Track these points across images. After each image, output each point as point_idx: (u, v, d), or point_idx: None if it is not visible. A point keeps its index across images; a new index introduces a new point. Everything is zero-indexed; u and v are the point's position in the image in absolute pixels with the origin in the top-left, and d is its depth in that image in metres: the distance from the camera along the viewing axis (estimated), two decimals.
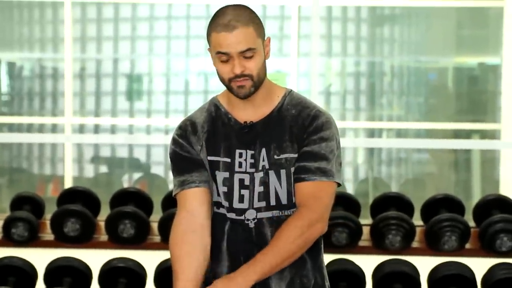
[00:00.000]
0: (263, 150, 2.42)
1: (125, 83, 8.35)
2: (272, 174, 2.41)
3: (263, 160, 2.42)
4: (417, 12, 8.28)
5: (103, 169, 8.45)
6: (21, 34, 8.39)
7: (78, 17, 8.16)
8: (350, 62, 8.39)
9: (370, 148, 8.20)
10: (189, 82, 8.34)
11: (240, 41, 2.33)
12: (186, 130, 2.49)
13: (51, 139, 7.51)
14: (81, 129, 8.23)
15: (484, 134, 8.08)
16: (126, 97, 8.34)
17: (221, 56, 2.35)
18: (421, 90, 8.38)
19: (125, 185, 8.19)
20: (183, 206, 2.48)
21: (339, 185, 2.46)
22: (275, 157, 2.41)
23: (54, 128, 8.25)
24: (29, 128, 8.32)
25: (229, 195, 2.44)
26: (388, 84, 8.31)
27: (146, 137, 8.22)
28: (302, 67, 8.02)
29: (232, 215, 2.44)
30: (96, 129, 8.30)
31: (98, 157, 8.38)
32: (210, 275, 2.51)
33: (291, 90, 2.51)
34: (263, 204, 2.43)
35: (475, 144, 7.55)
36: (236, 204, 2.43)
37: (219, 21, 2.35)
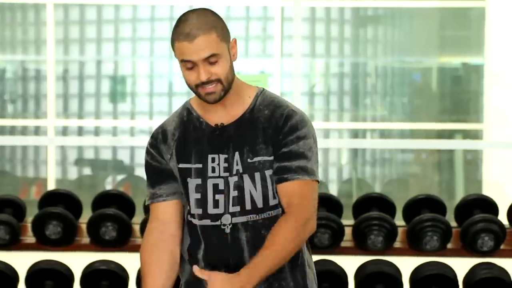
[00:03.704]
0: (236, 154, 2.40)
1: (108, 85, 8.33)
2: (246, 177, 2.39)
3: (237, 164, 2.39)
4: (400, 13, 8.29)
5: (87, 171, 8.43)
6: (3, 36, 8.35)
7: (60, 19, 8.14)
8: (334, 63, 8.40)
9: (354, 148, 8.21)
10: (173, 83, 8.33)
11: (202, 49, 2.31)
12: (157, 138, 2.49)
13: (34, 142, 7.47)
14: (64, 131, 8.20)
15: (467, 134, 8.09)
16: (109, 99, 8.32)
17: (186, 64, 2.35)
18: (405, 90, 8.40)
19: (109, 187, 8.17)
20: (155, 217, 2.50)
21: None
22: (249, 160, 2.39)
23: (37, 130, 8.22)
24: (12, 131, 8.29)
25: (203, 202, 2.41)
26: (371, 84, 8.32)
27: (130, 139, 8.20)
28: (286, 67, 8.01)
29: (206, 222, 2.41)
30: (80, 131, 8.27)
31: (82, 159, 8.35)
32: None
33: (263, 89, 2.49)
34: (237, 208, 2.40)
35: (458, 144, 7.56)
36: (211, 210, 2.41)
37: (180, 30, 2.34)
